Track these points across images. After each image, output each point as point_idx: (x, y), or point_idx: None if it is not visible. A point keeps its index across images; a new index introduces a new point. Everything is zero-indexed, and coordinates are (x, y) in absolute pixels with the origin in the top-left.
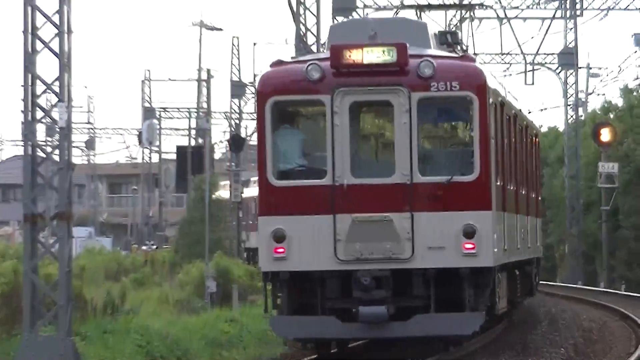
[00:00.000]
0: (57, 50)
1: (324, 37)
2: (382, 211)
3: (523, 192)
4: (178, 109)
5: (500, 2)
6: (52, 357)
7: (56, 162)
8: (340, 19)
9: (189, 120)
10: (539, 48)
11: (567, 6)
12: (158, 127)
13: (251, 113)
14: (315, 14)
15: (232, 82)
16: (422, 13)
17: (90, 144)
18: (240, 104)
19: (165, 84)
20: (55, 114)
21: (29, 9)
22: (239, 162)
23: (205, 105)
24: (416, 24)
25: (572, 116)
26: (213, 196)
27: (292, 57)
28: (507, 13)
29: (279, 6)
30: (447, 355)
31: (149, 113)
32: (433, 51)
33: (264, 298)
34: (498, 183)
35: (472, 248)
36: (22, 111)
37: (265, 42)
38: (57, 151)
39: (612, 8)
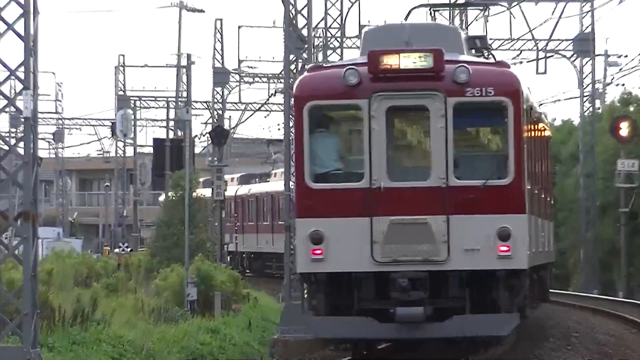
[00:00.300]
0: (22, 32)
1: (316, 19)
2: (418, 214)
3: (542, 195)
4: (155, 98)
5: None
6: None
7: (20, 155)
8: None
9: (167, 111)
10: (552, 33)
11: None
12: (133, 117)
13: (235, 103)
14: None
15: (215, 68)
16: (436, 12)
17: (58, 136)
18: (223, 93)
19: (141, 70)
20: (19, 103)
21: None
22: (221, 156)
23: (185, 94)
24: (449, 30)
25: (588, 108)
26: (194, 194)
27: (326, 63)
28: None
29: None
30: None
31: (123, 102)
32: (467, 57)
33: (301, 299)
34: (528, 187)
35: (507, 250)
36: None
37: (250, 24)
38: (21, 144)
39: None
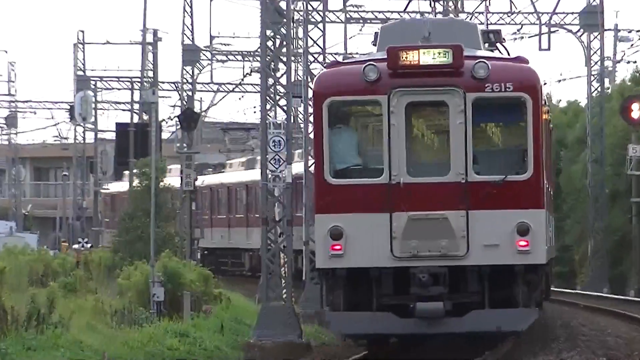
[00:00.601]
0: None
1: None
2: (437, 209)
3: (548, 188)
4: (118, 78)
5: None
6: None
7: None
8: None
9: (132, 93)
10: (556, 6)
11: None
12: (93, 100)
13: (206, 83)
14: None
15: (184, 45)
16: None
17: (11, 121)
18: (193, 73)
19: (102, 48)
20: None
21: None
22: (191, 142)
23: (151, 74)
24: (467, 25)
25: (596, 88)
26: (160, 184)
27: (343, 59)
28: None
29: None
30: None
31: (82, 83)
32: (485, 52)
33: (319, 295)
34: (545, 181)
35: (526, 245)
36: None
37: None
38: None
39: None
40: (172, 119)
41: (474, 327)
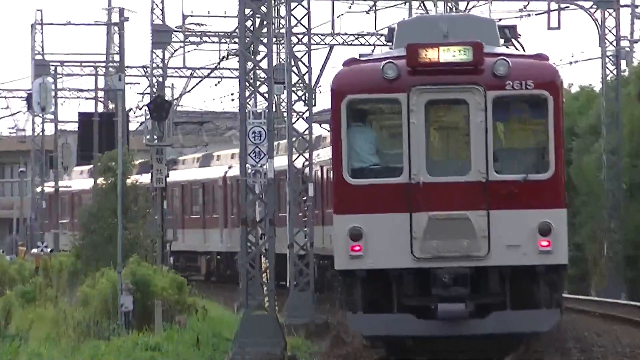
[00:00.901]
0: None
1: None
2: (458, 209)
3: None
4: (80, 63)
5: None
6: None
7: None
8: None
9: (96, 79)
10: None
11: None
12: (53, 87)
13: (179, 68)
14: None
15: (154, 26)
16: None
17: None
18: (164, 56)
19: (63, 29)
20: None
21: None
22: (163, 134)
23: (117, 58)
24: (485, 21)
25: (611, 71)
26: (128, 180)
27: (360, 55)
28: None
29: None
30: None
31: (41, 69)
32: (505, 49)
33: (339, 296)
34: (564, 180)
35: (548, 245)
36: None
37: None
38: None
39: None
40: (140, 108)
41: (496, 328)
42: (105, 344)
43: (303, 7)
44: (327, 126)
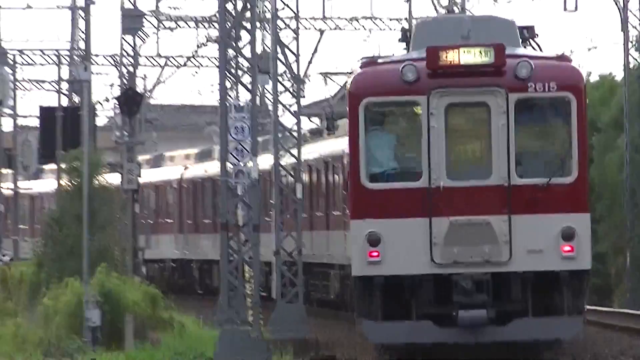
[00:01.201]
0: None
1: None
2: (479, 214)
3: None
4: (42, 51)
5: None
6: None
7: None
8: None
9: (59, 69)
10: None
11: None
12: (12, 78)
13: (152, 56)
14: None
15: (124, 10)
16: None
17: None
18: (135, 43)
19: (22, 14)
20: None
21: None
22: (134, 130)
23: (83, 45)
24: (505, 22)
25: (635, 59)
26: (95, 182)
27: (375, 57)
28: None
29: None
30: None
31: None
32: (526, 50)
33: (355, 304)
34: (587, 184)
35: (571, 251)
36: None
37: None
38: None
39: None
40: (109, 101)
41: (517, 336)
42: None
43: None
44: (316, 119)
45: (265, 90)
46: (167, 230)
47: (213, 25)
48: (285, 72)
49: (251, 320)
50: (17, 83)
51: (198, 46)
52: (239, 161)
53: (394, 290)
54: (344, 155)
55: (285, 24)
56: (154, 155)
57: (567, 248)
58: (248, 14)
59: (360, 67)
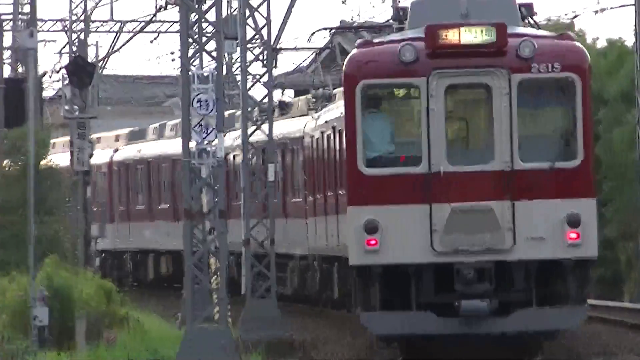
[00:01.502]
0: None
1: None
2: (481, 200)
3: None
4: None
5: None
6: None
7: None
8: None
9: (1, 36)
10: None
11: None
12: None
13: (105, 21)
14: None
15: None
16: None
17: None
18: (86, 6)
19: None
20: None
21: None
22: (85, 104)
23: (27, 9)
24: (504, 0)
25: None
26: (42, 163)
27: (372, 37)
28: None
29: None
30: None
31: None
32: (528, 29)
33: (352, 294)
34: (593, 167)
35: (577, 238)
36: None
37: None
38: None
39: None
40: (57, 72)
41: (521, 326)
42: None
43: None
44: (290, 92)
45: (232, 58)
46: (95, 218)
47: None
48: (254, 38)
49: (217, 318)
50: None
51: (157, 9)
52: (202, 139)
53: (393, 279)
54: (304, 136)
55: None
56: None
57: (573, 235)
58: None
59: (357, 48)
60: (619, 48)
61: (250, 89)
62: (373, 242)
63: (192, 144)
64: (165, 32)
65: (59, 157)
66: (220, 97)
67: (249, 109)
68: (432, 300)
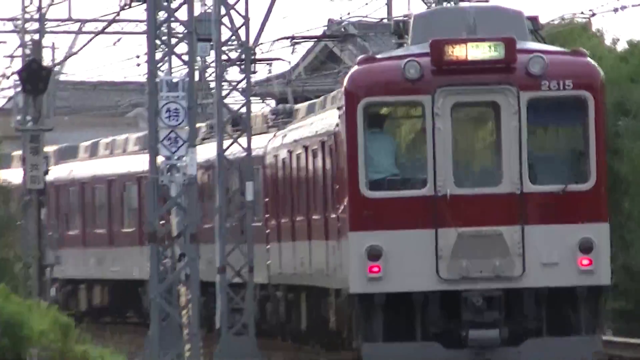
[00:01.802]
0: None
1: None
2: (490, 224)
3: None
4: None
5: None
6: None
7: None
8: None
9: None
10: None
11: None
12: None
13: (62, 21)
14: None
15: None
16: None
17: None
18: (41, 4)
19: None
20: None
21: None
22: (40, 114)
23: None
24: (512, 14)
25: None
26: None
27: (372, 53)
28: None
29: None
30: None
31: None
32: (536, 44)
33: (353, 325)
34: (606, 190)
35: (589, 264)
36: None
37: None
38: None
39: None
40: (8, 78)
41: (532, 357)
42: None
43: None
44: (270, 101)
45: (205, 62)
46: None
47: None
48: (231, 39)
49: (188, 357)
50: None
51: (121, 7)
52: (172, 153)
53: (396, 308)
54: (266, 156)
55: None
56: None
57: (586, 261)
58: None
59: (358, 64)
60: None
61: (226, 97)
62: (376, 269)
63: (160, 159)
64: (130, 33)
65: (14, 173)
66: (192, 106)
67: (225, 119)
68: (438, 330)
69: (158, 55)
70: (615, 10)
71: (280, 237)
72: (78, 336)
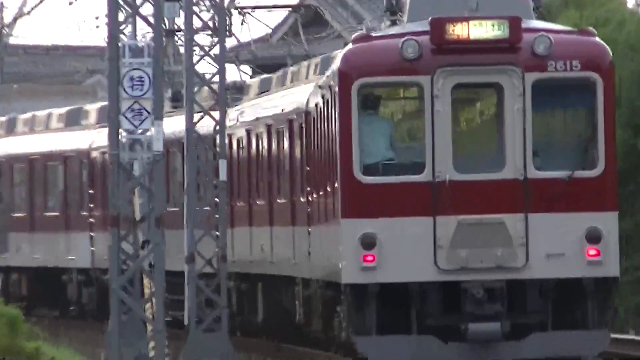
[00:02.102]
0: None
1: None
2: (491, 212)
3: None
4: None
5: None
6: None
7: None
8: None
9: None
10: None
11: None
12: None
13: None
14: None
15: None
16: None
17: None
18: None
19: None
20: None
21: None
22: None
23: None
24: None
25: None
26: None
27: (368, 30)
28: None
29: None
30: None
31: None
32: (542, 23)
33: (346, 317)
34: (616, 177)
35: (597, 255)
36: None
37: None
38: None
39: None
40: None
41: (536, 352)
42: None
43: None
44: (247, 68)
45: (174, 24)
46: None
47: None
48: None
49: (153, 356)
50: None
51: None
52: (135, 127)
53: (392, 300)
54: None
55: None
56: None
57: (593, 252)
58: None
59: (353, 42)
60: None
61: (197, 64)
62: (370, 258)
63: (122, 134)
64: None
65: None
66: (159, 73)
67: (196, 89)
68: (436, 323)
69: (120, 16)
70: None
71: (234, 224)
72: (30, 331)
